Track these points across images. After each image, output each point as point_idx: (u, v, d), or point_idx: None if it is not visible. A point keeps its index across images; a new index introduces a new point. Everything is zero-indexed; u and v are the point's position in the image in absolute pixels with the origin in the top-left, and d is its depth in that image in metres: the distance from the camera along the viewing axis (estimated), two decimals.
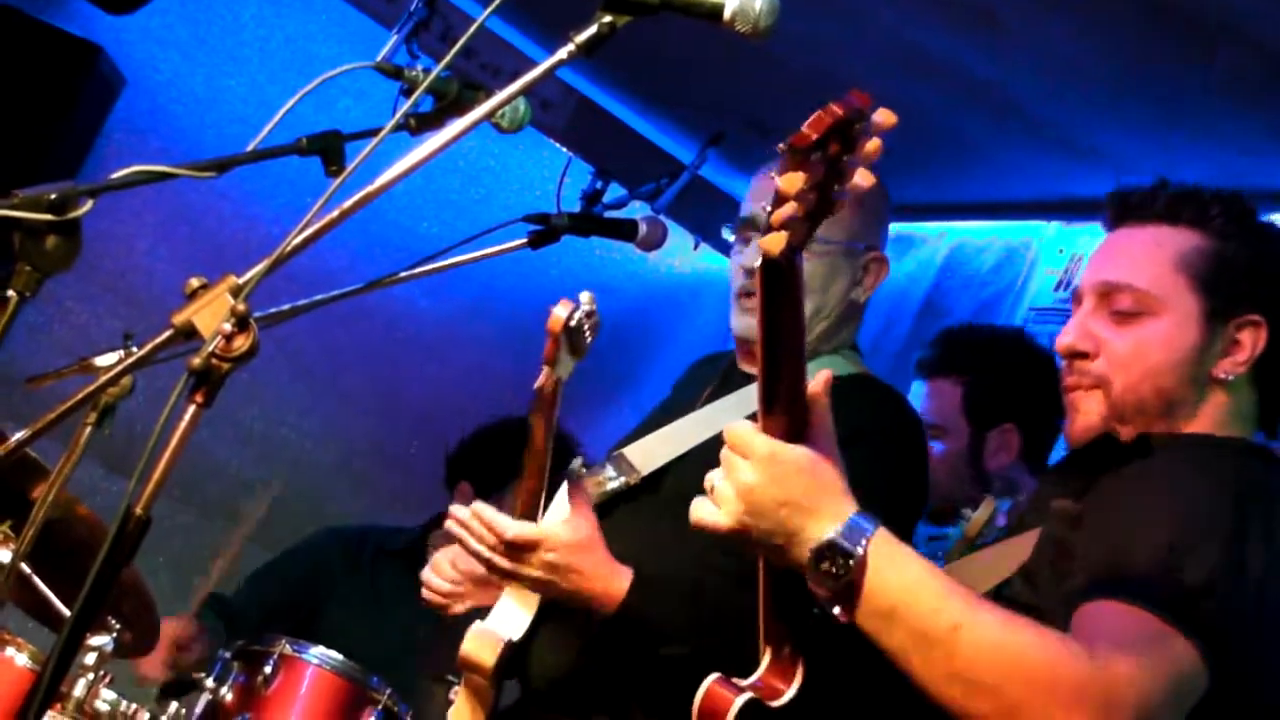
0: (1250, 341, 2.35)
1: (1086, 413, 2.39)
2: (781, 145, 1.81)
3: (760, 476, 1.97)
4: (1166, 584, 2.03)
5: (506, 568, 2.73)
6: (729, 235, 3.09)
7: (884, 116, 1.84)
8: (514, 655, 2.82)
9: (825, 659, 2.17)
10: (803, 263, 1.90)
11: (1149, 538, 2.10)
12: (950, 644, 1.94)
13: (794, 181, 1.81)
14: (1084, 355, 2.39)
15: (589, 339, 2.61)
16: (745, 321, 3.03)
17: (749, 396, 2.91)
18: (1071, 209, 5.21)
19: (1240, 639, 2.05)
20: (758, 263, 1.88)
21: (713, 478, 2.03)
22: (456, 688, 2.91)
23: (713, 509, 2.02)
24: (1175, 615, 2.00)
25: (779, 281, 1.90)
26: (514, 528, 2.71)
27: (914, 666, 1.97)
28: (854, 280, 3.05)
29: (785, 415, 1.98)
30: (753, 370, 3.05)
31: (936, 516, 3.81)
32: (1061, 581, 2.17)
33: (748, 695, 2.11)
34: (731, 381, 3.09)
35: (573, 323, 2.55)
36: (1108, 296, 2.39)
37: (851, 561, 1.95)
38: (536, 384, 2.65)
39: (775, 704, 2.13)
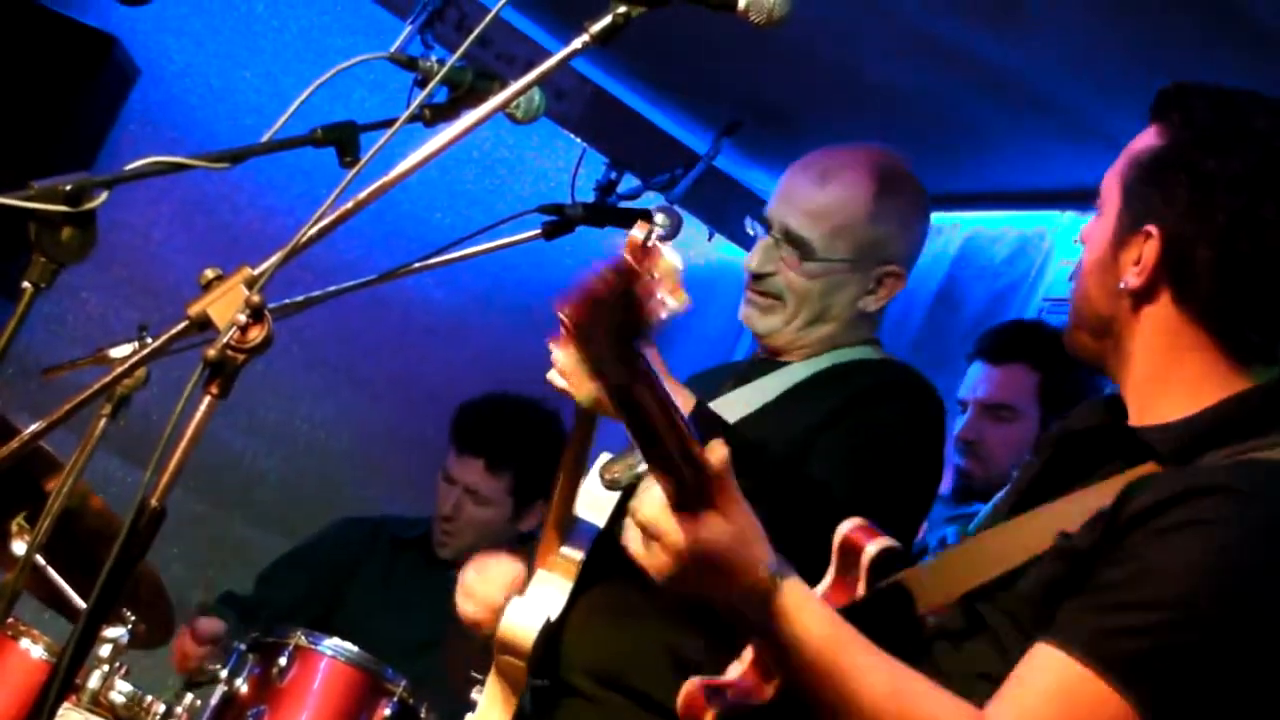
0: (1139, 251, 2.13)
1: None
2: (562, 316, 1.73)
3: (681, 566, 1.90)
4: (1144, 650, 1.81)
5: None
6: (751, 230, 3.09)
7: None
8: (549, 638, 2.80)
9: None
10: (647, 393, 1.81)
11: (1149, 590, 1.84)
12: (829, 693, 1.90)
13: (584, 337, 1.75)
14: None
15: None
16: (745, 312, 3.09)
17: (783, 377, 3.01)
18: (1087, 198, 5.12)
19: None
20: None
21: (633, 531, 1.96)
22: (479, 687, 2.88)
23: (644, 552, 1.95)
24: (1129, 685, 1.79)
25: (628, 409, 1.82)
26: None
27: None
28: (864, 290, 3.05)
29: (692, 496, 1.90)
30: (770, 356, 3.10)
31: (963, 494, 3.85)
32: (1048, 610, 1.93)
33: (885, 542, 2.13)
34: (757, 368, 3.11)
35: (649, 245, 2.35)
36: None
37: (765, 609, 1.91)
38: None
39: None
